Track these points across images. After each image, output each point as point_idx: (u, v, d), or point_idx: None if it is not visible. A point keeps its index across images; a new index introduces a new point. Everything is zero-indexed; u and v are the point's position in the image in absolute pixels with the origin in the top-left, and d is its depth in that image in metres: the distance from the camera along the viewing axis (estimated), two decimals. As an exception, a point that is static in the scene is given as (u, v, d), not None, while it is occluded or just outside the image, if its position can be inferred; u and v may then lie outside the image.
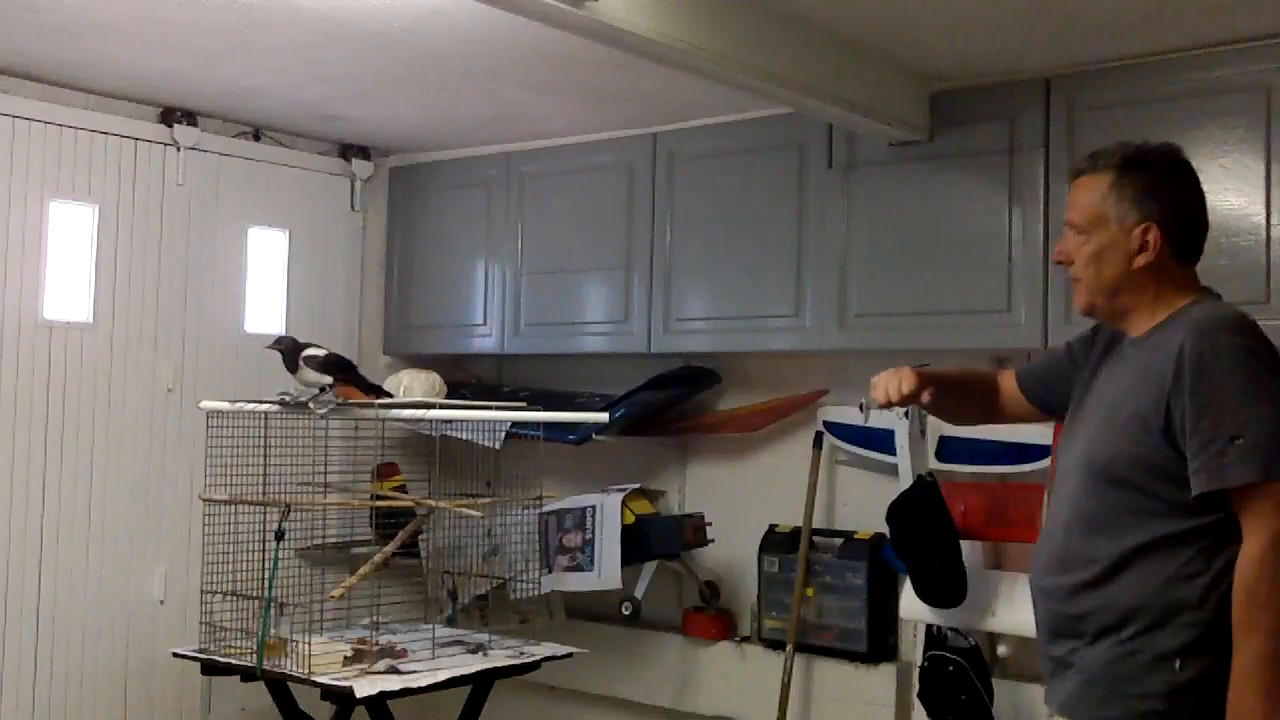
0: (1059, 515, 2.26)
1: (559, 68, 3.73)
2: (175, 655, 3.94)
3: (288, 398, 3.88)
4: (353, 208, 5.04)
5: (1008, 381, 2.57)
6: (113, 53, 3.78)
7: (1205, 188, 3.22)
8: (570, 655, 3.96)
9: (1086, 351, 2.38)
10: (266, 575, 3.71)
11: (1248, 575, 1.99)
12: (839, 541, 4.07)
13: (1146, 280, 2.18)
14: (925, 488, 3.61)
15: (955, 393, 2.53)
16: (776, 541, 4.19)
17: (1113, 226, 2.18)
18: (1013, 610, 3.60)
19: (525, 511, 4.21)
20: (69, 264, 4.22)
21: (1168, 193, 2.18)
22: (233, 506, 3.84)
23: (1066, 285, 3.46)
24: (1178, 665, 2.05)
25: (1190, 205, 2.22)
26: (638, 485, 4.45)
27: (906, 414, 3.73)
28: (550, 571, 4.32)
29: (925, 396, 2.41)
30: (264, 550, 3.77)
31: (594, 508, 4.29)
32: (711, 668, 4.32)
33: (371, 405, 3.98)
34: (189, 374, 4.47)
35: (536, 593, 4.25)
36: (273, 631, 3.70)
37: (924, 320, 3.75)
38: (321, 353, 3.85)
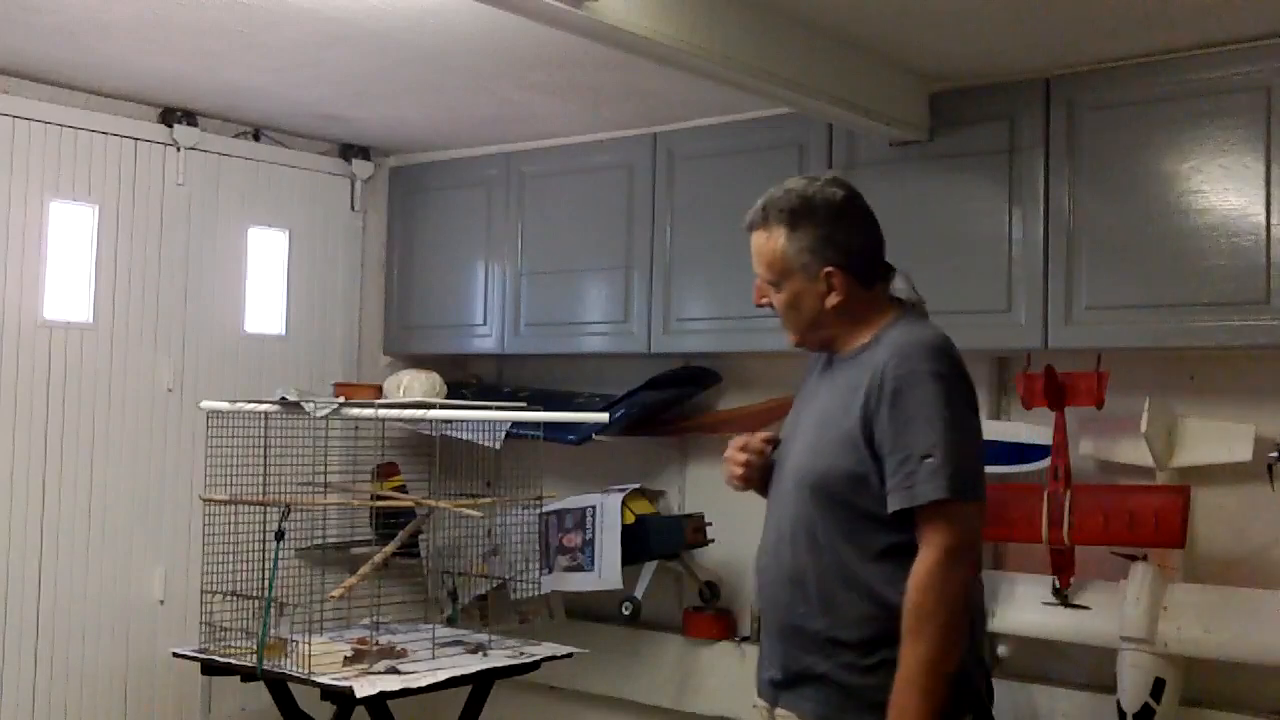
0: (781, 527, 2.38)
1: (559, 68, 3.74)
2: (175, 655, 3.95)
3: (288, 398, 3.89)
4: (353, 208, 5.04)
5: None
6: (113, 53, 3.78)
7: (1205, 188, 3.29)
8: (570, 655, 3.96)
9: (813, 363, 2.58)
10: (266, 575, 3.71)
11: (918, 586, 2.14)
12: (839, 541, 4.06)
13: (841, 314, 2.38)
14: (925, 488, 3.60)
15: None
16: (776, 541, 4.18)
17: (799, 275, 2.37)
18: (1013, 610, 3.61)
19: (525, 511, 4.22)
20: (69, 264, 4.22)
21: (840, 238, 2.36)
22: (233, 506, 3.85)
23: (1067, 285, 3.49)
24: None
25: (861, 243, 2.39)
26: (638, 485, 4.46)
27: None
28: (550, 571, 4.32)
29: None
30: (264, 550, 3.77)
31: (594, 508, 4.29)
32: (711, 668, 4.32)
33: (371, 405, 3.98)
34: (189, 374, 4.47)
35: (536, 593, 4.25)
36: (273, 631, 3.70)
37: (924, 320, 3.75)
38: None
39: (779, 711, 2.39)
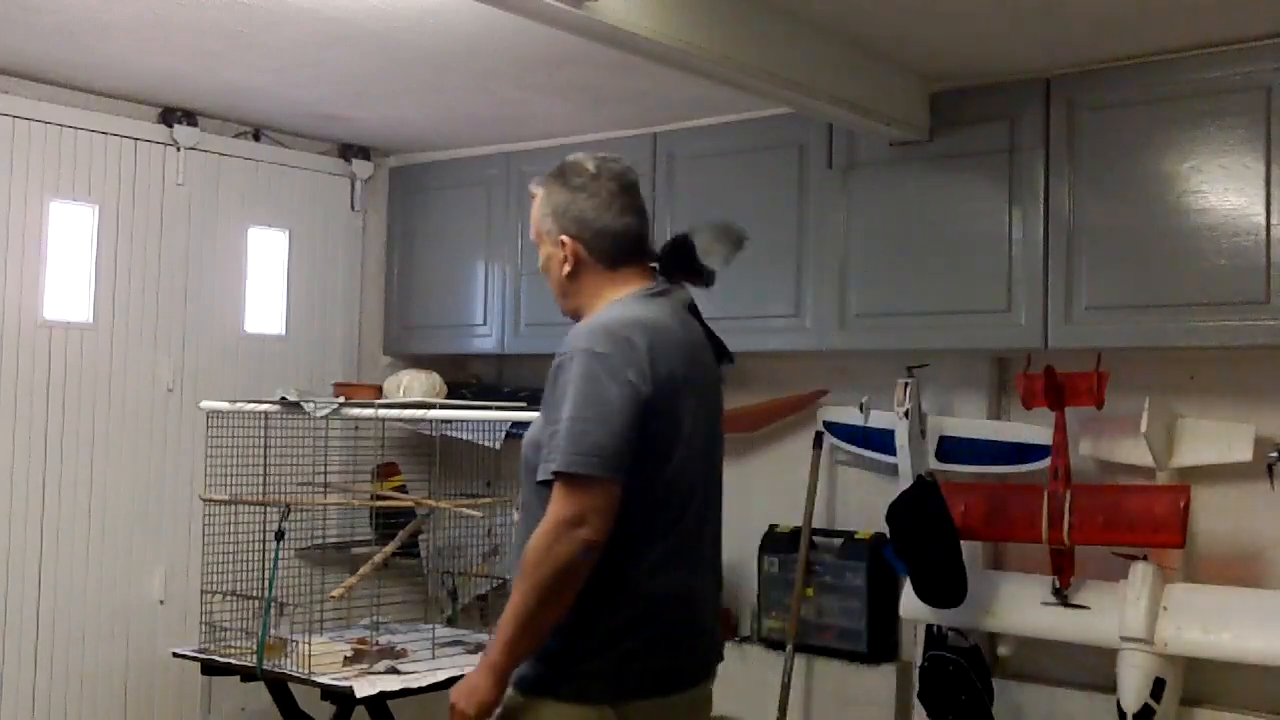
0: None
1: (559, 68, 3.74)
2: (175, 655, 3.94)
3: (288, 398, 3.88)
4: (353, 208, 5.04)
5: None
6: (113, 53, 3.78)
7: (1205, 188, 3.29)
8: (570, 655, 3.95)
9: None
10: (266, 575, 3.71)
11: (529, 544, 2.17)
12: (839, 541, 4.07)
13: (579, 286, 2.43)
14: (925, 488, 3.61)
15: None
16: (776, 541, 4.19)
17: (546, 238, 2.42)
18: (1013, 610, 3.61)
19: (525, 511, 4.21)
20: (69, 264, 4.22)
21: (579, 210, 2.38)
22: (233, 506, 3.85)
23: (1067, 285, 3.49)
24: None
25: (605, 221, 2.38)
26: (638, 485, 4.44)
27: (906, 414, 3.73)
28: (550, 571, 4.31)
29: None
30: (264, 550, 3.77)
31: (594, 508, 4.28)
32: (711, 668, 4.32)
33: (371, 405, 3.99)
34: (189, 374, 4.47)
35: (536, 593, 4.24)
36: (273, 631, 3.70)
37: (924, 320, 3.75)
38: None
39: None
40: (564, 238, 2.39)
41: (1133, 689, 3.31)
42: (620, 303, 2.36)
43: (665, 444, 2.26)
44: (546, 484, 2.19)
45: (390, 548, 4.11)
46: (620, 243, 2.40)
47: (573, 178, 2.40)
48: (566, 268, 2.41)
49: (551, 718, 2.20)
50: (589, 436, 2.17)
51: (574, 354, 2.25)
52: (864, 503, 4.10)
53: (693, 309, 2.52)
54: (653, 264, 2.45)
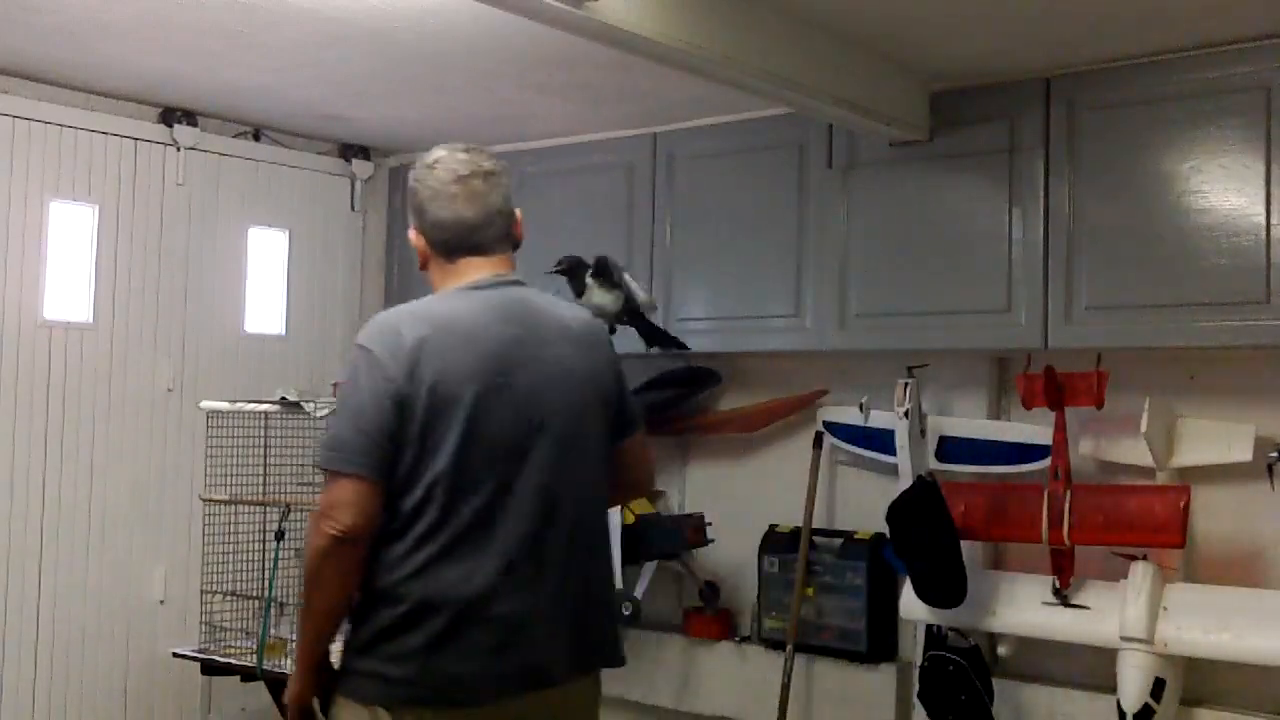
0: None
1: (559, 68, 3.74)
2: (175, 655, 3.95)
3: (288, 398, 3.88)
4: (353, 208, 5.04)
5: None
6: (113, 53, 3.78)
7: (1205, 188, 3.29)
8: (570, 655, 3.95)
9: None
10: (266, 575, 3.71)
11: None
12: (839, 541, 4.07)
13: (430, 276, 2.45)
14: (925, 488, 3.61)
15: None
16: (776, 541, 4.18)
17: (409, 231, 2.44)
18: (1013, 610, 3.60)
19: (525, 511, 4.20)
20: (69, 264, 4.23)
21: (417, 200, 2.40)
22: (233, 506, 3.85)
23: (1067, 285, 3.49)
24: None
25: (435, 213, 2.38)
26: (638, 485, 4.44)
27: (906, 414, 3.73)
28: (550, 571, 4.31)
29: None
30: (264, 550, 3.78)
31: (594, 508, 4.28)
32: (711, 668, 4.32)
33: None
34: (189, 374, 4.47)
35: (536, 593, 4.24)
36: (273, 631, 3.70)
37: (924, 320, 3.75)
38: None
39: None
40: (411, 230, 2.41)
41: (1133, 689, 3.31)
42: (433, 296, 2.39)
43: (429, 441, 2.16)
44: None
45: (390, 548, 4.10)
46: (453, 234, 2.37)
47: (419, 170, 2.41)
48: (420, 259, 2.43)
49: (337, 714, 2.22)
50: (337, 434, 2.19)
51: (353, 349, 2.27)
52: (864, 503, 4.10)
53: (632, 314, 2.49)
54: (496, 255, 2.41)
